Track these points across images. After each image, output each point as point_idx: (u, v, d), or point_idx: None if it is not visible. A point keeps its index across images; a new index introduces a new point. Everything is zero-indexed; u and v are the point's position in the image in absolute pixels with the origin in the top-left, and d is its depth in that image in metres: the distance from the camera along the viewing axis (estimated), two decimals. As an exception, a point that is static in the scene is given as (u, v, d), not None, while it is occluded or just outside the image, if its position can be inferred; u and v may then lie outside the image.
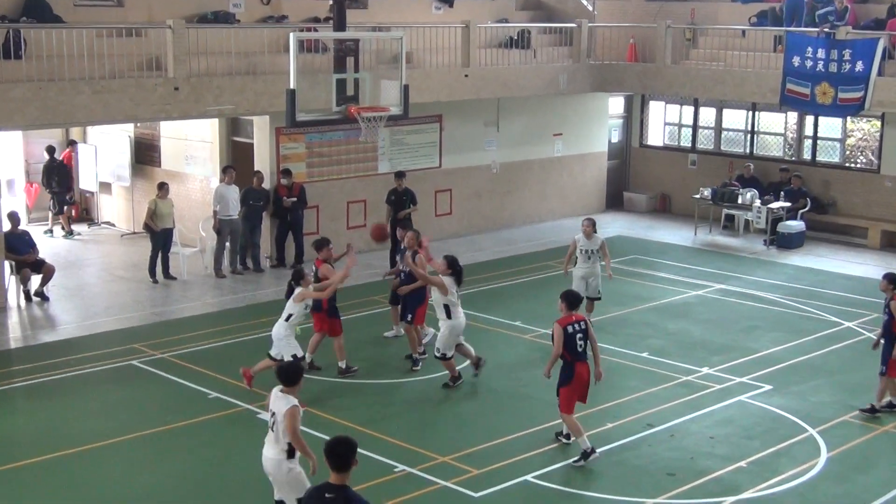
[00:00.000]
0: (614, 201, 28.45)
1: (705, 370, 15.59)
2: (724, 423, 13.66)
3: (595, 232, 17.16)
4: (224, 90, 19.02)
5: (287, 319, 13.96)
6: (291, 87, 15.72)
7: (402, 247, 15.82)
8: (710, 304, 19.22)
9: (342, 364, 15.17)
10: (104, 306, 18.54)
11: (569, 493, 11.61)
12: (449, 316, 14.46)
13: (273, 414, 9.82)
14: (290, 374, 9.94)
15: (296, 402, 9.76)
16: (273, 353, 14.02)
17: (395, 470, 11.96)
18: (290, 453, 9.76)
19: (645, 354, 16.30)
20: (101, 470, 11.98)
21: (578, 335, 12.24)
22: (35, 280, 18.83)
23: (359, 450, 7.76)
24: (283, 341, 13.93)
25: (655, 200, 28.19)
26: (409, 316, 15.44)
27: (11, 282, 18.63)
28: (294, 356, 13.71)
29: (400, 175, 20.86)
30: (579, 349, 12.24)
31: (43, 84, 17.01)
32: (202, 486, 11.74)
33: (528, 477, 11.89)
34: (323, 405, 13.88)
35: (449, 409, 14.12)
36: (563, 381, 12.34)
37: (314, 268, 14.87)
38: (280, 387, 9.87)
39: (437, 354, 14.58)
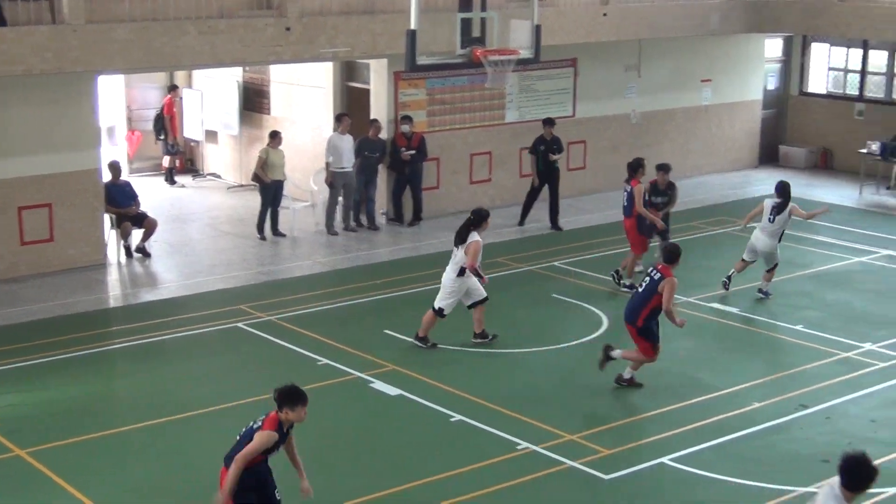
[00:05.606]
0: (769, 156, 28.00)
1: (867, 346, 15.34)
2: (887, 404, 13.44)
3: None
4: (339, 31, 19.23)
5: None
6: (412, 27, 15.83)
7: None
8: (875, 272, 18.86)
9: None
10: (209, 264, 19.05)
11: (710, 479, 11.56)
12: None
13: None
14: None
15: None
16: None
17: (518, 447, 12.02)
18: None
19: (799, 327, 16.09)
20: (205, 438, 12.36)
21: None
22: (136, 235, 19.36)
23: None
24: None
25: (816, 156, 27.65)
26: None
27: (111, 236, 19.23)
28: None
29: (549, 122, 21.00)
30: None
31: (146, 24, 17.42)
32: (312, 459, 12.01)
33: (665, 459, 11.89)
34: (438, 374, 14.06)
35: (577, 382, 14.15)
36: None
37: None
38: None
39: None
